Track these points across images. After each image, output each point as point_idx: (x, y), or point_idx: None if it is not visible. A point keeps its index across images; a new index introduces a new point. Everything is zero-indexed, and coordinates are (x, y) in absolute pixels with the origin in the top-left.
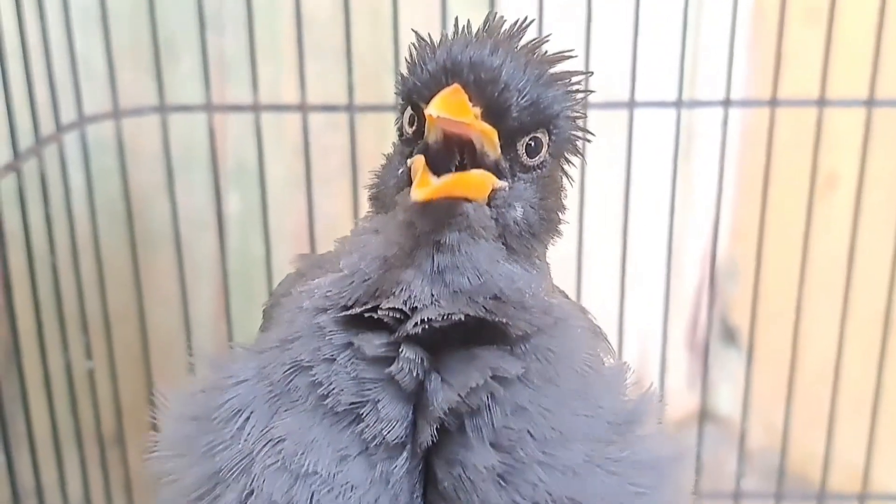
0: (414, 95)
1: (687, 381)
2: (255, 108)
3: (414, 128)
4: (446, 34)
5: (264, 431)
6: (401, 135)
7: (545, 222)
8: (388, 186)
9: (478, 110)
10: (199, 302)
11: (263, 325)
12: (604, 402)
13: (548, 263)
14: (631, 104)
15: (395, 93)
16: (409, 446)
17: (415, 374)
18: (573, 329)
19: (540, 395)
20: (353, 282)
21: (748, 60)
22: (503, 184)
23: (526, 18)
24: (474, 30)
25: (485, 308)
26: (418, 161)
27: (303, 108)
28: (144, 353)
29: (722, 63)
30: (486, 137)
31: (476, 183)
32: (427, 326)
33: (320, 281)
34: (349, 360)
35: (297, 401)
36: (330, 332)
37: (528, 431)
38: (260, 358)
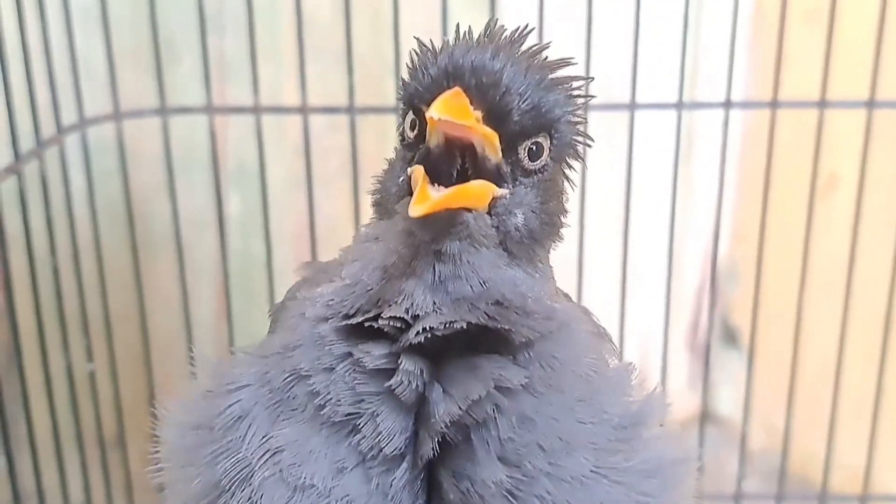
0: (415, 100)
1: (688, 383)
2: (256, 109)
3: (416, 132)
4: (447, 40)
5: (264, 440)
6: (402, 139)
7: (546, 227)
8: (390, 193)
9: (479, 114)
10: (199, 303)
11: (270, 329)
12: (609, 406)
13: (550, 267)
14: (632, 106)
15: (397, 97)
16: (408, 457)
17: (415, 385)
18: (577, 333)
19: (545, 403)
20: (354, 291)
21: (749, 62)
22: (503, 191)
23: (527, 26)
24: (476, 35)
25: (487, 315)
26: (417, 172)
27: (303, 109)
28: (145, 355)
29: (722, 65)
30: (488, 141)
31: (476, 194)
32: (430, 335)
33: (323, 289)
34: (348, 370)
35: (297, 409)
36: (330, 341)
37: (537, 443)
38: (262, 363)
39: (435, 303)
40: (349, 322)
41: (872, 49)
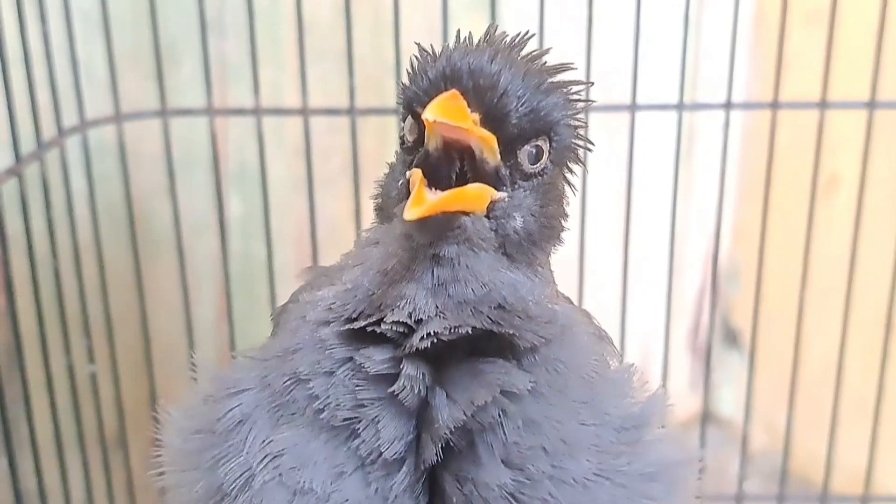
0: (414, 103)
1: (689, 384)
2: (257, 111)
3: (415, 136)
4: (447, 44)
5: (264, 444)
6: (402, 143)
7: (546, 230)
8: (390, 197)
9: (476, 116)
10: (200, 305)
11: (273, 333)
12: (611, 408)
13: (551, 270)
14: (632, 107)
15: (397, 101)
16: (408, 461)
17: (417, 390)
18: (579, 336)
19: (549, 406)
20: (356, 295)
21: (749, 63)
22: (502, 195)
23: (528, 31)
24: (476, 40)
25: (490, 319)
26: (415, 175)
27: (304, 111)
28: (146, 356)
29: (723, 66)
30: (486, 144)
31: (473, 197)
32: (434, 340)
33: (324, 292)
34: (348, 375)
35: (296, 413)
36: (331, 345)
37: (541, 446)
38: (262, 367)
39: (437, 307)
40: (351, 326)
41: (873, 50)
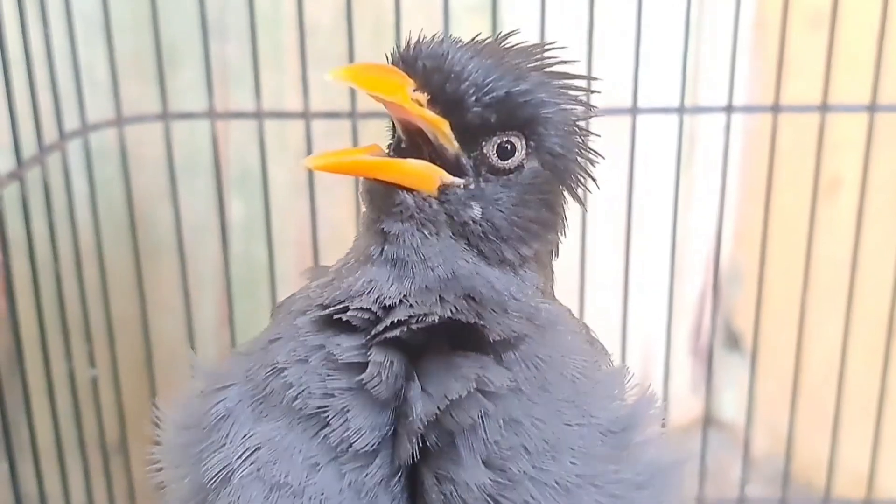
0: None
1: (691, 387)
2: (258, 114)
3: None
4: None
5: (245, 438)
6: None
7: (518, 230)
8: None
9: (421, 96)
10: (202, 309)
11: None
12: (597, 410)
13: (549, 275)
14: (633, 110)
15: None
16: (382, 453)
17: (387, 379)
18: (562, 334)
19: (531, 404)
20: (332, 283)
21: (750, 66)
22: (457, 180)
23: (516, 31)
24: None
25: (456, 308)
26: (372, 148)
27: (305, 114)
28: (148, 361)
29: (724, 69)
30: (433, 125)
31: (411, 172)
32: (404, 328)
33: (312, 284)
34: (321, 362)
35: (276, 405)
36: (305, 332)
37: (522, 445)
38: (247, 360)
39: (402, 293)
40: (322, 314)
41: (874, 53)
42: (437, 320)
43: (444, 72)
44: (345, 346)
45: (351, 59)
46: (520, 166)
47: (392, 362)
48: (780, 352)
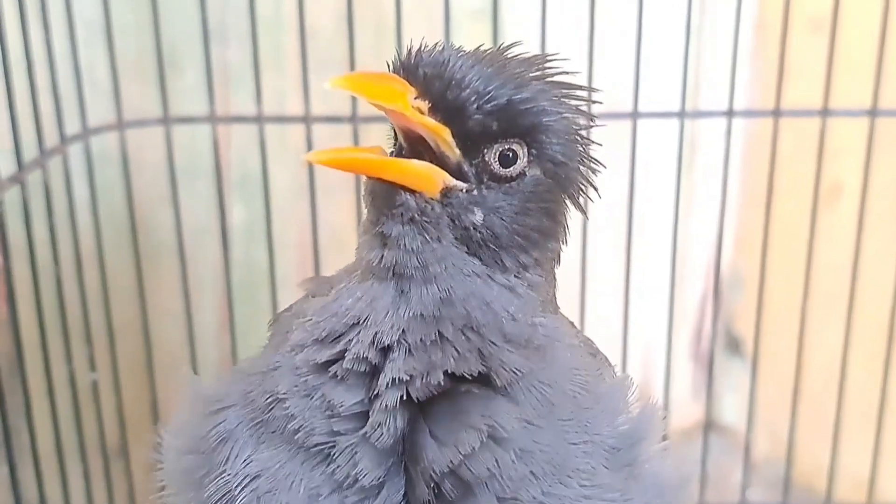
0: None
1: (692, 392)
2: (259, 119)
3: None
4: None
5: (244, 465)
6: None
7: (518, 238)
8: None
9: (424, 104)
10: (202, 313)
11: (267, 343)
12: (601, 427)
13: (551, 279)
14: (634, 115)
15: None
16: (387, 485)
17: (390, 429)
18: (561, 350)
19: (537, 429)
20: (333, 301)
21: (751, 71)
22: (460, 184)
23: (518, 43)
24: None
25: (457, 351)
26: (375, 149)
27: (306, 119)
28: (148, 365)
29: (725, 73)
30: (433, 131)
31: (414, 172)
32: (404, 391)
33: (313, 303)
34: (324, 402)
35: (276, 431)
36: (304, 373)
37: (530, 471)
38: (246, 382)
39: (400, 327)
40: (316, 361)
41: (875, 57)
42: (440, 381)
43: (444, 79)
44: (346, 405)
45: (352, 62)
46: (521, 174)
47: (395, 417)
48: (781, 357)
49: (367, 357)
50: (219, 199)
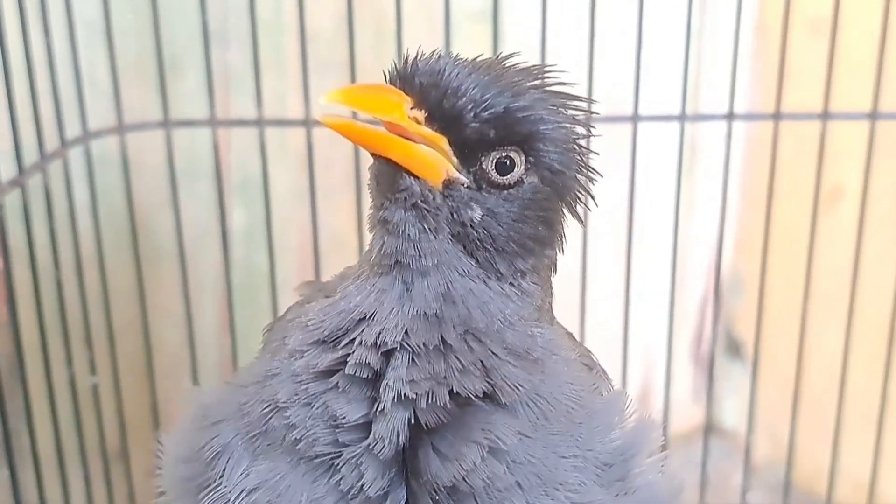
0: None
1: (692, 395)
2: (260, 122)
3: None
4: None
5: (242, 477)
6: None
7: (514, 244)
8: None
9: (420, 114)
10: (203, 316)
11: (260, 351)
12: (594, 443)
13: (547, 286)
14: (635, 118)
15: None
16: (391, 496)
17: (394, 442)
18: (558, 364)
19: (531, 442)
20: (337, 300)
21: (751, 74)
22: (462, 178)
23: (514, 54)
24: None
25: (460, 363)
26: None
27: (307, 122)
28: (148, 368)
29: (725, 77)
30: (430, 141)
31: (420, 156)
32: (410, 412)
33: (312, 306)
34: (326, 411)
35: (274, 443)
36: (304, 380)
37: (517, 482)
38: (241, 394)
39: (404, 326)
40: (317, 370)
41: (875, 60)
42: (447, 404)
43: (441, 88)
44: (348, 414)
45: (352, 64)
46: (519, 181)
47: (398, 431)
48: (782, 359)
49: (368, 363)
50: (219, 201)
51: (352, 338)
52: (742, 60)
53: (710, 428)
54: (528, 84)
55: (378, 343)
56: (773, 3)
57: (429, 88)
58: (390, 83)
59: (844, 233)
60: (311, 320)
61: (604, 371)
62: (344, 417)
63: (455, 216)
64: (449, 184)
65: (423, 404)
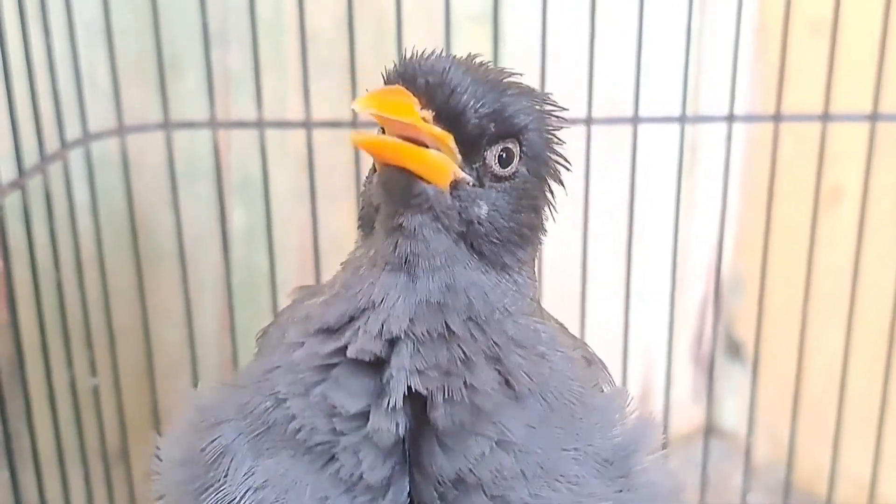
0: None
1: (692, 396)
2: (260, 123)
3: None
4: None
5: (246, 476)
6: None
7: (515, 235)
8: (371, 206)
9: (428, 114)
10: (203, 317)
11: (255, 355)
12: (595, 438)
13: (534, 279)
14: (635, 119)
15: None
16: (394, 488)
17: (393, 431)
18: (559, 361)
19: (535, 433)
20: (336, 297)
21: (752, 75)
22: (468, 177)
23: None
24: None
25: (465, 353)
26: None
27: (307, 123)
28: (149, 369)
29: (725, 78)
30: (440, 141)
31: (433, 163)
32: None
33: (310, 303)
34: (323, 398)
35: (277, 439)
36: (302, 370)
37: (521, 471)
38: (241, 394)
39: (409, 314)
40: (319, 354)
41: (875, 62)
42: (449, 394)
43: (446, 86)
44: (346, 403)
45: (352, 65)
46: (515, 172)
47: (398, 420)
48: (782, 360)
49: (371, 350)
50: (219, 202)
51: (356, 326)
52: (742, 62)
53: (710, 429)
54: (507, 79)
55: (382, 331)
56: (774, 4)
57: (435, 87)
58: (391, 83)
59: (844, 234)
60: (313, 312)
61: (602, 362)
62: (343, 406)
63: (463, 215)
64: (455, 184)
65: (440, 399)
